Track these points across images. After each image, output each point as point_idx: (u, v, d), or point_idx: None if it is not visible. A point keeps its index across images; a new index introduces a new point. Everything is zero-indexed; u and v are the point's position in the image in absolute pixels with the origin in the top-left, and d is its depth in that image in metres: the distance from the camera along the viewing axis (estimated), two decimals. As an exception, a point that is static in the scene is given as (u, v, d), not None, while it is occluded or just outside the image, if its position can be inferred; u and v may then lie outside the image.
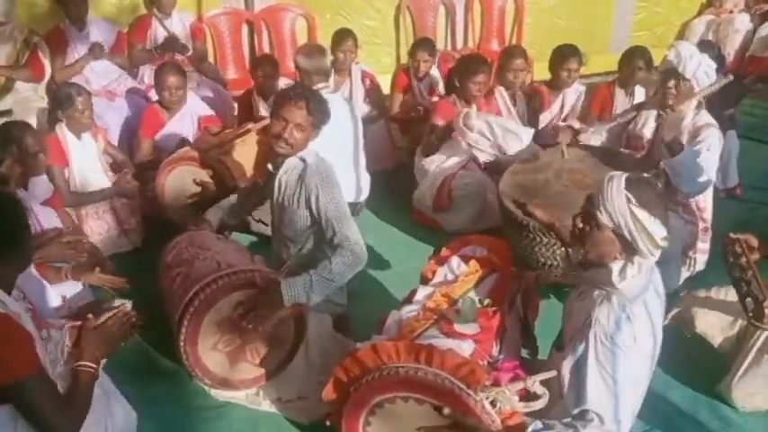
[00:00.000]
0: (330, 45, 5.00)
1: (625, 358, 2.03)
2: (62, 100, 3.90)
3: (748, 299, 2.64)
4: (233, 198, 3.47)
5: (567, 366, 2.12)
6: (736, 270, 2.71)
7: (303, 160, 2.89)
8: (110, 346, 2.17)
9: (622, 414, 2.05)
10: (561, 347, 2.25)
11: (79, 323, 2.19)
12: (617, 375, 2.03)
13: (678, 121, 3.54)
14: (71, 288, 2.91)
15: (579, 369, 2.07)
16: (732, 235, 2.76)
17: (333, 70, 5.03)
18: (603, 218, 2.06)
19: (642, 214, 2.01)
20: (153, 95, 4.96)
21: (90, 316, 2.14)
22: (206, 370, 2.82)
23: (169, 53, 5.15)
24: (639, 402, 2.19)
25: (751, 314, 2.63)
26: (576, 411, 2.07)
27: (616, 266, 2.09)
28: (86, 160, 4.02)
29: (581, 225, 2.15)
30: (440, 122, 4.38)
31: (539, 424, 2.09)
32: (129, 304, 2.30)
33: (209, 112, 4.62)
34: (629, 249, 2.07)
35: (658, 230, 2.03)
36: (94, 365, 2.09)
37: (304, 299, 2.71)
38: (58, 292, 2.79)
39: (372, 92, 5.26)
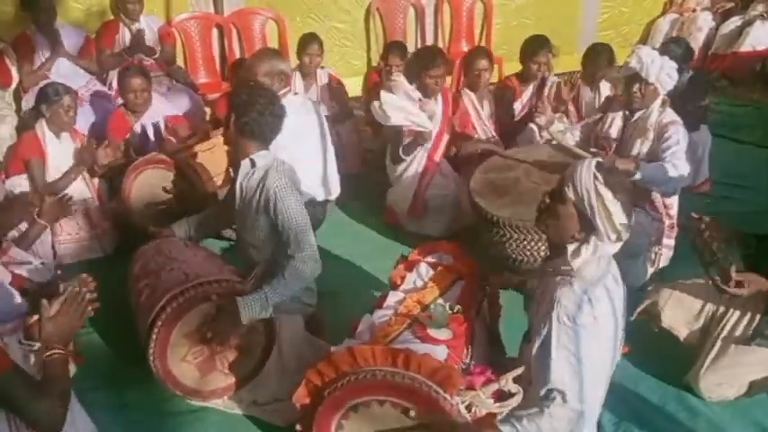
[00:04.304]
0: (296, 49, 5.05)
1: (587, 338, 2.09)
2: (49, 95, 3.90)
3: (713, 268, 2.75)
4: (202, 213, 3.44)
5: (533, 350, 2.18)
6: (700, 242, 2.82)
7: (253, 162, 2.91)
8: (72, 328, 2.14)
9: (587, 394, 2.10)
10: (530, 339, 2.30)
11: (31, 320, 2.16)
12: (580, 355, 2.09)
13: (644, 120, 3.63)
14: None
15: (544, 350, 2.13)
16: (695, 215, 2.90)
17: (299, 74, 5.09)
18: (569, 191, 2.13)
19: (606, 194, 2.09)
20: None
21: (45, 303, 2.09)
22: (177, 382, 2.82)
23: (137, 56, 5.12)
24: (605, 386, 2.24)
25: (717, 278, 2.72)
26: (542, 393, 2.12)
27: (571, 246, 2.16)
28: (64, 159, 4.01)
29: (547, 200, 2.24)
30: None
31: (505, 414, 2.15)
32: (76, 285, 2.24)
33: (174, 111, 4.61)
34: (588, 227, 2.14)
35: (618, 213, 2.10)
36: (63, 350, 2.08)
37: (260, 315, 2.72)
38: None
39: (337, 95, 5.26)
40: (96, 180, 4.20)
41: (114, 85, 5.13)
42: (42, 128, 3.98)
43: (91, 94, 4.90)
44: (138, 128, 4.43)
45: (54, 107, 3.91)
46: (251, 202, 2.90)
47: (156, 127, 4.46)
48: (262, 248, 2.96)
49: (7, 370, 1.92)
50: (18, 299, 2.66)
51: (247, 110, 2.84)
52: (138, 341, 2.89)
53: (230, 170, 3.30)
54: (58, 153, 4.02)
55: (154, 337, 2.69)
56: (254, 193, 2.88)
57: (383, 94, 4.16)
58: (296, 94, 4.14)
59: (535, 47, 4.74)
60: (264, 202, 2.84)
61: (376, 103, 4.17)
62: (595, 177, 2.10)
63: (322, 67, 5.21)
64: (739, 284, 2.68)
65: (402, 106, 4.15)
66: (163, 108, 4.57)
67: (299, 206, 2.86)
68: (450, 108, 4.52)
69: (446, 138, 4.44)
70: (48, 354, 2.05)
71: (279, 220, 2.81)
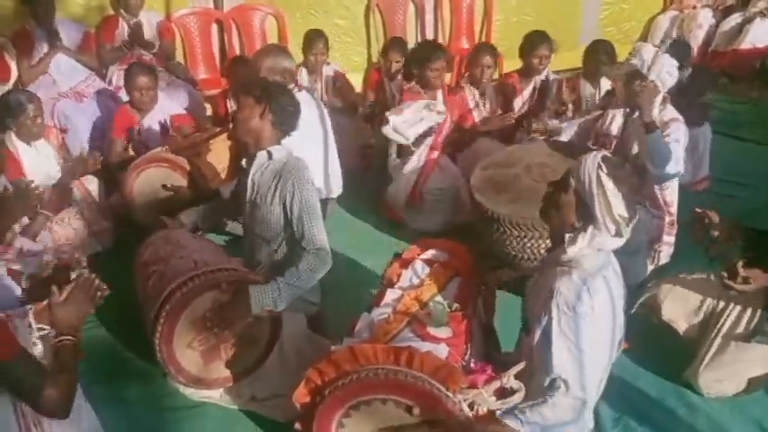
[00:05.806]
0: (302, 47, 5.08)
1: (586, 328, 2.10)
2: (13, 108, 3.73)
3: (720, 262, 2.75)
4: (210, 203, 3.43)
5: (534, 340, 2.18)
6: (706, 238, 2.81)
7: (270, 155, 2.91)
8: (82, 314, 2.14)
9: (588, 381, 2.11)
10: (529, 331, 2.31)
11: (43, 303, 2.16)
12: (581, 343, 2.10)
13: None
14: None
15: (545, 340, 2.14)
16: (698, 209, 2.90)
17: (305, 70, 5.11)
18: (572, 178, 2.15)
19: (608, 183, 2.09)
20: (123, 96, 4.92)
21: (54, 289, 2.11)
22: (180, 368, 2.81)
23: (137, 51, 5.12)
24: (603, 377, 2.25)
25: (724, 275, 2.71)
26: (546, 383, 2.13)
27: (569, 234, 2.17)
28: (43, 165, 3.90)
29: (551, 189, 2.26)
30: None
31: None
32: (86, 272, 2.26)
33: (180, 110, 4.60)
34: (587, 216, 2.14)
35: (618, 205, 2.10)
36: (74, 337, 2.08)
37: (271, 306, 2.72)
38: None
39: (345, 91, 5.29)
40: (93, 180, 4.18)
41: (114, 80, 5.14)
42: (13, 141, 3.79)
43: (93, 92, 4.90)
44: (142, 125, 4.42)
45: (20, 119, 3.73)
46: (265, 195, 2.90)
47: (161, 125, 4.44)
48: (273, 241, 2.96)
49: (16, 355, 1.93)
50: (17, 289, 2.66)
51: (279, 99, 2.88)
52: (139, 334, 2.89)
53: (231, 165, 3.28)
54: (36, 161, 3.86)
55: (162, 321, 2.67)
56: (269, 185, 2.88)
57: (391, 118, 4.21)
58: (300, 90, 4.14)
59: (535, 41, 4.75)
60: (280, 195, 2.84)
61: (386, 129, 4.24)
62: (599, 167, 2.11)
63: (327, 64, 5.24)
64: (745, 280, 2.68)
65: (412, 119, 4.20)
66: (168, 106, 4.55)
67: (315, 201, 2.88)
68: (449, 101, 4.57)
69: (449, 127, 4.46)
70: (58, 339, 2.05)
71: (295, 215, 2.83)
